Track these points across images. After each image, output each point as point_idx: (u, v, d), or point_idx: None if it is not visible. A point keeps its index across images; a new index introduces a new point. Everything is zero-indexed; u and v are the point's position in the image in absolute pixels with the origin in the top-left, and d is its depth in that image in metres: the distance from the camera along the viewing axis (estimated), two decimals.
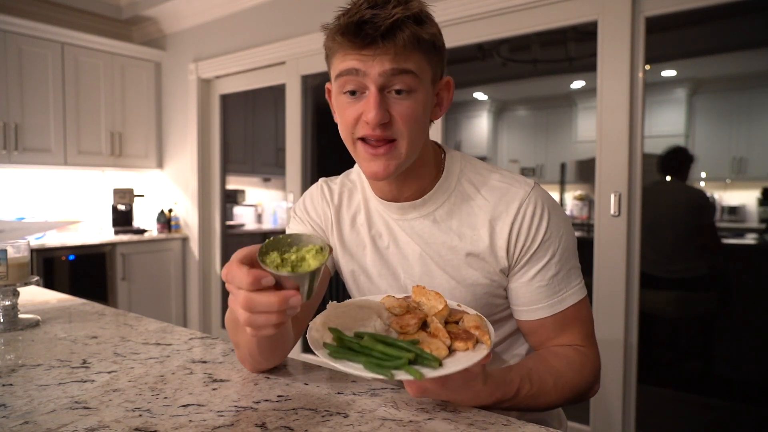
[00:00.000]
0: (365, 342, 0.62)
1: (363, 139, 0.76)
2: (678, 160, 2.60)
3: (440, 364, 0.59)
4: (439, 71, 0.79)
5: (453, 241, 0.84)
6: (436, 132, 2.56)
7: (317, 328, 0.67)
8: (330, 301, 0.73)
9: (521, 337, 0.92)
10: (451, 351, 0.62)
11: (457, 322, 0.68)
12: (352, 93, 0.75)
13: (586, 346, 0.83)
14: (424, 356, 0.60)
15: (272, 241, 0.61)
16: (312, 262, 0.59)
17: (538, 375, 0.74)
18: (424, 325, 0.67)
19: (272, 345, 0.75)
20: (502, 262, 0.83)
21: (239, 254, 0.58)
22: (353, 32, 0.70)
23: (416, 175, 0.83)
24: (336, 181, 0.97)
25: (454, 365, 0.59)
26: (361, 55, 0.71)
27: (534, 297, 0.82)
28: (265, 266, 0.57)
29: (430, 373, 0.58)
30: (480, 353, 0.61)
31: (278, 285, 0.58)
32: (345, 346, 0.63)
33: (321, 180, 0.99)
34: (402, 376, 0.57)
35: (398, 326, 0.66)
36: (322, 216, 0.95)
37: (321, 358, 0.61)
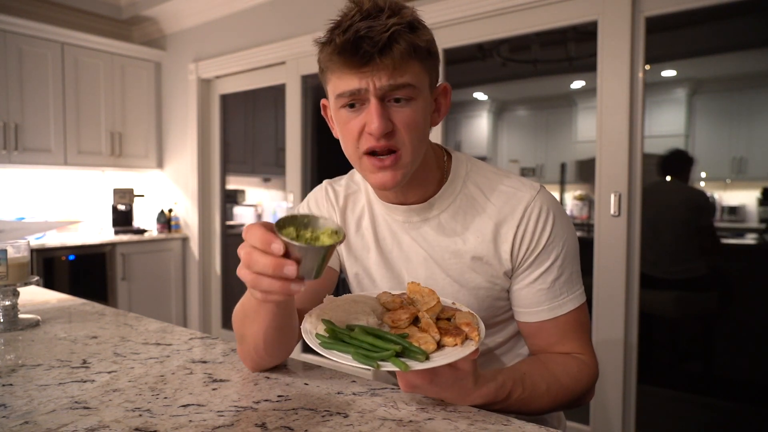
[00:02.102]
0: (355, 334, 0.64)
1: (367, 153, 0.76)
2: (678, 163, 2.60)
3: (427, 358, 0.61)
4: (435, 77, 0.79)
5: (457, 245, 0.84)
6: (436, 132, 2.56)
7: (311, 320, 0.69)
8: (327, 295, 0.74)
9: (523, 339, 0.92)
10: (440, 346, 0.64)
11: (449, 319, 0.70)
12: (352, 105, 0.74)
13: (586, 353, 0.83)
14: (411, 349, 0.62)
15: (289, 217, 0.61)
16: (326, 240, 0.60)
17: (531, 380, 0.74)
18: (416, 321, 0.68)
19: (278, 337, 0.75)
20: (506, 265, 0.83)
21: (262, 222, 0.60)
22: (350, 51, 0.69)
23: (420, 180, 0.83)
24: (341, 183, 0.97)
25: (440, 359, 0.61)
26: (360, 73, 0.70)
27: (535, 299, 0.82)
28: (281, 235, 0.57)
29: (415, 365, 0.60)
30: (467, 349, 0.62)
31: (287, 256, 0.57)
32: (336, 337, 0.65)
33: (325, 182, 0.99)
34: (388, 367, 0.59)
35: (390, 320, 0.68)
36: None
37: (312, 347, 0.64)
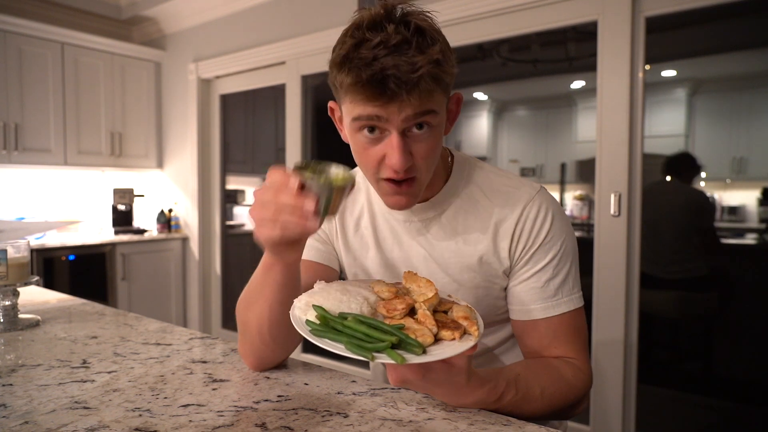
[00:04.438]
0: (348, 322, 0.60)
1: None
2: (685, 167, 2.59)
3: (424, 351, 0.58)
4: (450, 91, 0.78)
5: (458, 245, 0.85)
6: None
7: (301, 306, 0.66)
8: (318, 281, 0.72)
9: None
10: (437, 340, 0.61)
11: (446, 312, 0.67)
12: (371, 130, 0.72)
13: (579, 359, 0.82)
14: (408, 341, 0.58)
15: (305, 162, 0.65)
16: (339, 180, 0.64)
17: (525, 382, 0.72)
18: (412, 312, 0.65)
19: (283, 314, 0.71)
20: (504, 263, 0.83)
21: (281, 166, 0.65)
22: (375, 87, 0.67)
23: None
24: None
25: (438, 353, 0.57)
26: (384, 105, 0.68)
27: (528, 297, 0.82)
28: (300, 173, 0.62)
29: (412, 359, 0.56)
30: (466, 344, 0.59)
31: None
32: (328, 325, 0.62)
33: None
34: (383, 359, 0.56)
35: (385, 310, 0.65)
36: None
37: (302, 335, 0.61)
